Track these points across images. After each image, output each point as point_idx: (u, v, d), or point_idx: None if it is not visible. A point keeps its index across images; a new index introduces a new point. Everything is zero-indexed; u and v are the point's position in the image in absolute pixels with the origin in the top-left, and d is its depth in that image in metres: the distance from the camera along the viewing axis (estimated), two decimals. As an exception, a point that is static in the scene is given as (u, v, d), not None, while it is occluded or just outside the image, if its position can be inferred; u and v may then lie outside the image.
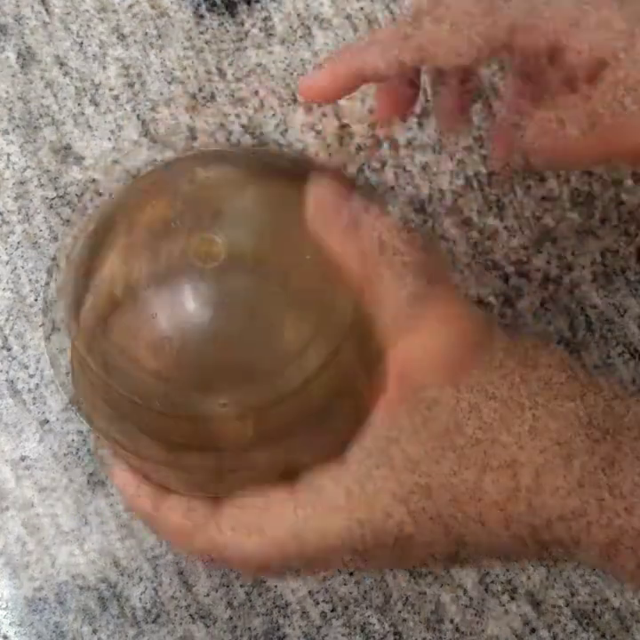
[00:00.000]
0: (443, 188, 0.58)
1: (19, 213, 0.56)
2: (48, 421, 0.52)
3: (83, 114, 0.58)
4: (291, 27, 0.60)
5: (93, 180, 0.57)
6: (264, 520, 0.36)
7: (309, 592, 0.51)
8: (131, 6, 0.60)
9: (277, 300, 0.33)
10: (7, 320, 0.54)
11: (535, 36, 0.39)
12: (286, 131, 0.58)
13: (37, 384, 0.53)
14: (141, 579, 0.50)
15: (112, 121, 0.58)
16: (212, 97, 0.59)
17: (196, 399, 0.33)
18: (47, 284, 0.54)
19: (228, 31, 0.60)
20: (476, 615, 0.51)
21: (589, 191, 0.58)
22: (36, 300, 0.54)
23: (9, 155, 0.57)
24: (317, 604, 0.50)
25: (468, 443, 0.35)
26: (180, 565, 0.50)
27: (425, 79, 0.46)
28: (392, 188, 0.58)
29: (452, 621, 0.51)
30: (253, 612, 0.50)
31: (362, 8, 0.61)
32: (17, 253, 0.55)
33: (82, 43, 0.59)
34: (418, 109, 0.57)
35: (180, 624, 0.50)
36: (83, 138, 0.57)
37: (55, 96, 0.58)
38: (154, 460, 0.35)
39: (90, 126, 0.58)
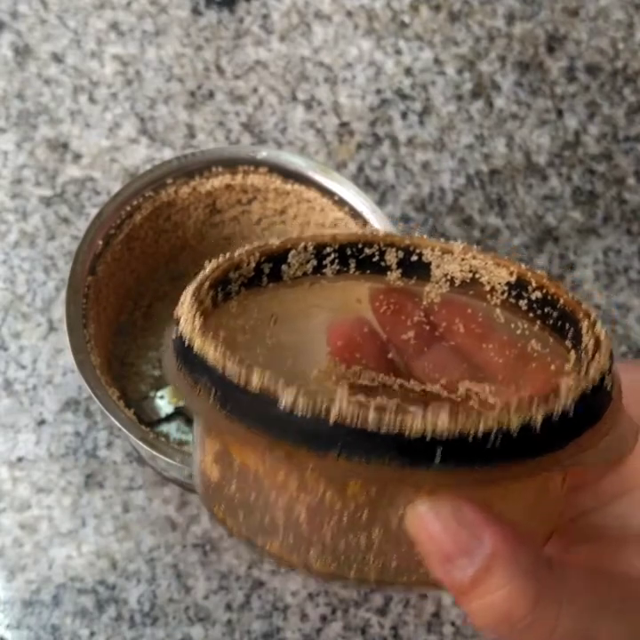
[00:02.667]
0: (444, 186, 0.58)
1: (15, 212, 0.55)
2: (45, 422, 0.52)
3: (80, 111, 0.57)
4: (290, 23, 0.60)
5: (91, 178, 0.56)
6: None
7: (309, 594, 0.50)
8: (129, 3, 0.59)
9: None
10: (4, 319, 0.54)
11: None
12: (286, 129, 0.58)
13: (35, 384, 0.52)
14: (139, 580, 0.50)
15: (110, 118, 0.57)
16: (211, 94, 0.58)
17: None
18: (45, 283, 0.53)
19: (226, 28, 0.59)
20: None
21: (591, 190, 0.58)
22: (33, 299, 0.54)
23: (6, 152, 0.56)
24: (317, 606, 0.50)
25: None
26: (178, 567, 0.50)
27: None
28: (393, 186, 0.57)
29: (453, 624, 0.50)
30: (252, 615, 0.50)
31: (362, 5, 0.61)
32: (14, 252, 0.55)
33: (79, 39, 0.59)
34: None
35: (179, 626, 0.50)
36: (80, 135, 0.57)
37: (52, 93, 0.58)
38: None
39: (87, 123, 0.57)
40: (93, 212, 0.53)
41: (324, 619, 0.50)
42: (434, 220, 0.57)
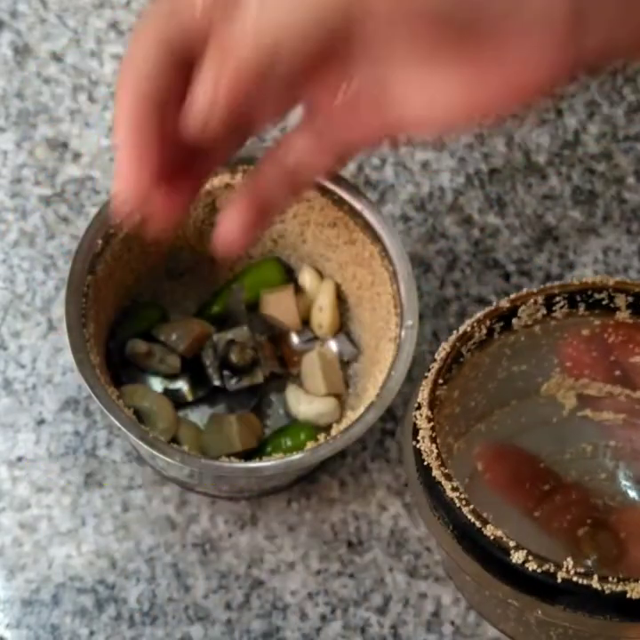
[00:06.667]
0: (443, 185, 0.58)
1: (15, 211, 0.55)
2: (44, 421, 0.52)
3: (79, 110, 0.57)
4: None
5: (90, 178, 0.56)
6: None
7: (308, 594, 0.50)
8: (128, 2, 0.59)
9: None
10: (3, 319, 0.54)
11: None
12: (285, 128, 0.58)
13: (34, 384, 0.52)
14: (139, 580, 0.50)
15: (109, 117, 0.57)
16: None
17: None
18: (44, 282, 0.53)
19: (226, 27, 0.59)
20: (476, 617, 0.50)
21: (591, 189, 0.58)
22: (32, 298, 0.54)
23: (5, 152, 0.56)
24: (317, 605, 0.50)
25: None
26: (177, 567, 0.50)
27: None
28: (392, 185, 0.57)
29: (452, 623, 0.50)
30: (252, 614, 0.50)
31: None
32: (13, 251, 0.55)
33: (79, 39, 0.59)
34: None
35: (178, 626, 0.50)
36: (80, 135, 0.57)
37: (52, 92, 0.58)
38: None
39: (87, 123, 0.57)
40: (93, 211, 0.53)
41: (323, 618, 0.50)
42: (433, 220, 0.57)
